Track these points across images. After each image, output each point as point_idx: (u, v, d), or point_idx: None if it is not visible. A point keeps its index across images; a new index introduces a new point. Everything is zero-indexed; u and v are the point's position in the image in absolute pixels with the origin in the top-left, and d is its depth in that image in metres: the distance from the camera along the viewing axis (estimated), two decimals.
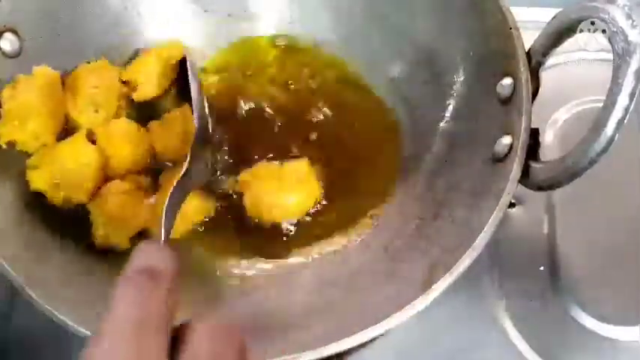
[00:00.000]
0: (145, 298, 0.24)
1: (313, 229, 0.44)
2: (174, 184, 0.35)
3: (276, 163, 0.44)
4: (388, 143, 0.46)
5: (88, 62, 0.44)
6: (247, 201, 0.43)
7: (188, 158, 0.37)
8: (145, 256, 0.25)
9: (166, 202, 0.33)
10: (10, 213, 0.39)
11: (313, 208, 0.44)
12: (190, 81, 0.42)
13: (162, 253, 0.26)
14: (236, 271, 0.43)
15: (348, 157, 0.46)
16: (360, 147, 0.46)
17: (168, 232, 0.32)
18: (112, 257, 0.41)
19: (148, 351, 0.23)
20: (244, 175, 0.43)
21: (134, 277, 0.24)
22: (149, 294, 0.24)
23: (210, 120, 0.43)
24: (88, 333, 0.34)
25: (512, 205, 0.46)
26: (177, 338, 0.24)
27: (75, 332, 0.34)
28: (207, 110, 0.43)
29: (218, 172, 0.44)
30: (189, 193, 0.37)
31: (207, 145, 0.41)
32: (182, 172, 0.36)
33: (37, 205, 0.40)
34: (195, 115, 0.40)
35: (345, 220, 0.44)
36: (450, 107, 0.44)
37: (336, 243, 0.43)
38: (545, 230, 0.46)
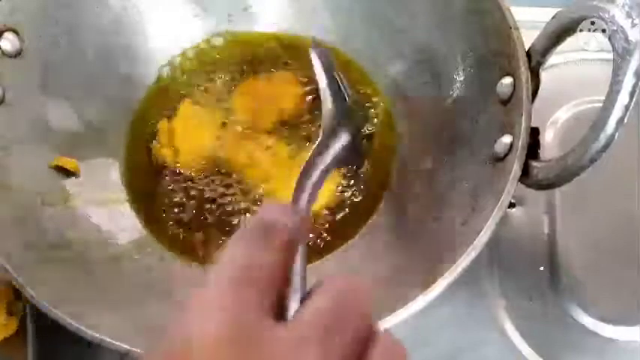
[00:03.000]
0: (253, 250, 0.22)
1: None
2: (311, 152, 0.33)
3: None
4: (387, 143, 0.46)
5: None
6: None
7: (321, 132, 0.37)
8: (267, 209, 0.24)
9: (301, 171, 0.31)
10: (12, 213, 0.39)
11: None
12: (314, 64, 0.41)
13: (286, 212, 0.24)
14: None
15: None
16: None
17: (302, 199, 0.30)
18: (112, 257, 0.41)
19: (246, 307, 0.21)
20: None
21: (247, 230, 0.23)
22: (258, 247, 0.22)
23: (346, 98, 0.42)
24: (91, 332, 0.33)
25: (512, 205, 0.46)
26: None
27: (76, 332, 0.34)
28: (343, 89, 0.42)
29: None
30: (330, 169, 0.34)
31: (343, 126, 0.39)
32: (316, 145, 0.35)
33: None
34: (323, 97, 0.39)
35: (343, 220, 0.44)
36: (450, 107, 0.44)
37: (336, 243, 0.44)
38: (545, 230, 0.46)
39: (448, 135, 0.44)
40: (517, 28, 0.38)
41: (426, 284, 0.34)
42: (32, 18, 0.42)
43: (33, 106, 0.43)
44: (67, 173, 0.43)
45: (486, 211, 0.36)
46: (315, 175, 0.32)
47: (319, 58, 0.41)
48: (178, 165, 0.46)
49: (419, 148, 0.45)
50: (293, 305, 0.24)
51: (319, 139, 0.35)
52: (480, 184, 0.39)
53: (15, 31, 0.41)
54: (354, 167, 0.44)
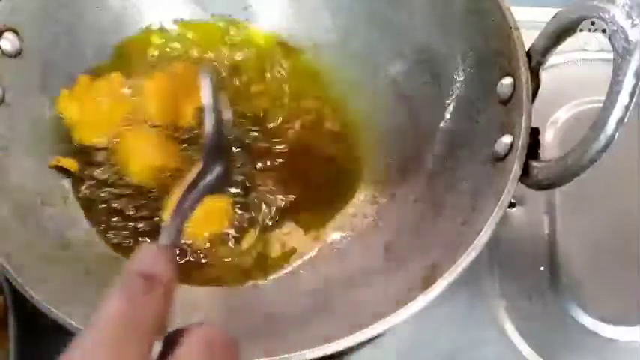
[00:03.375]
0: (135, 301, 0.23)
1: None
2: (185, 185, 0.33)
3: None
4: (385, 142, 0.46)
5: None
6: None
7: (201, 161, 0.36)
8: (143, 259, 0.25)
9: (175, 203, 0.31)
10: (12, 212, 0.39)
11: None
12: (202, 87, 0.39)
13: (162, 258, 0.25)
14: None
15: (347, 156, 0.46)
16: (357, 146, 0.47)
17: (174, 236, 0.30)
18: (112, 257, 0.41)
19: (127, 357, 0.22)
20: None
21: (127, 279, 0.24)
22: (139, 298, 0.23)
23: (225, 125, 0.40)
24: None
25: (512, 205, 0.46)
26: (171, 345, 0.23)
27: (75, 331, 0.34)
28: (224, 114, 0.41)
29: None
30: (203, 198, 0.34)
31: (223, 150, 0.39)
32: (194, 175, 0.34)
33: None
34: (208, 119, 0.38)
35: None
36: (450, 107, 0.44)
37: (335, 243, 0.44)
38: (545, 230, 0.46)
39: (448, 135, 0.44)
40: (517, 28, 0.38)
41: (426, 284, 0.34)
42: (32, 18, 0.42)
43: (33, 106, 0.43)
44: (67, 173, 0.43)
45: (486, 211, 0.36)
46: (187, 207, 0.31)
47: (210, 84, 0.38)
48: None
49: (419, 148, 0.45)
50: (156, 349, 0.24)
51: (197, 171, 0.34)
52: (480, 184, 0.39)
53: (15, 31, 0.41)
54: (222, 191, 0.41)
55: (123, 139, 0.44)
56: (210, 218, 0.42)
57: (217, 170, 0.35)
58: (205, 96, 0.38)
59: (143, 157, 0.43)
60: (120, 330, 0.22)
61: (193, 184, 0.33)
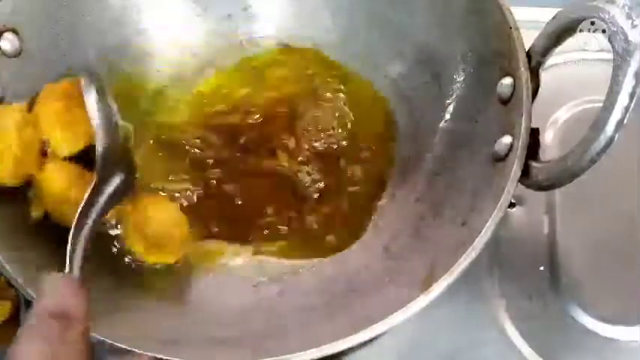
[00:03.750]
0: (52, 347, 0.20)
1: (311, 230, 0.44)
2: (79, 209, 0.30)
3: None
4: (386, 142, 0.46)
5: None
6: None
7: (94, 181, 0.33)
8: (51, 294, 0.22)
9: (72, 229, 0.29)
10: (12, 212, 0.39)
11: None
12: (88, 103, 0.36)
13: (72, 289, 0.22)
14: (236, 270, 0.43)
15: (346, 156, 0.46)
16: (357, 146, 0.46)
17: (79, 263, 0.28)
18: (112, 257, 0.41)
19: None
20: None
21: (40, 324, 0.21)
22: (56, 341, 0.20)
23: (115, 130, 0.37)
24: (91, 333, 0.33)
25: (512, 205, 0.46)
26: None
27: None
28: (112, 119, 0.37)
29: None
30: (103, 215, 0.32)
31: (119, 157, 0.36)
32: (87, 195, 0.32)
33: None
34: (99, 137, 0.35)
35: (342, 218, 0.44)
36: (450, 107, 0.44)
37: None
38: (545, 230, 0.46)
39: (448, 135, 0.44)
40: (517, 28, 0.38)
41: (426, 284, 0.34)
42: (32, 18, 0.42)
43: None
44: None
45: (486, 211, 0.36)
46: (89, 227, 0.29)
47: (93, 87, 0.36)
48: None
49: (419, 148, 0.45)
50: None
51: (92, 186, 0.32)
52: (480, 184, 0.39)
53: (15, 31, 0.41)
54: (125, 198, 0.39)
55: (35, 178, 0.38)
56: (162, 245, 0.40)
57: (116, 180, 0.33)
58: (89, 105, 0.35)
59: (59, 194, 0.37)
60: None
61: (89, 203, 0.31)
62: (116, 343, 0.33)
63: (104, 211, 0.32)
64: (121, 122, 0.37)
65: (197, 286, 0.42)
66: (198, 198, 0.44)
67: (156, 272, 0.41)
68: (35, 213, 0.38)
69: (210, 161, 0.46)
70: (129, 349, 0.32)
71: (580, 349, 0.42)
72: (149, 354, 0.32)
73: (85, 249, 0.28)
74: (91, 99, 0.35)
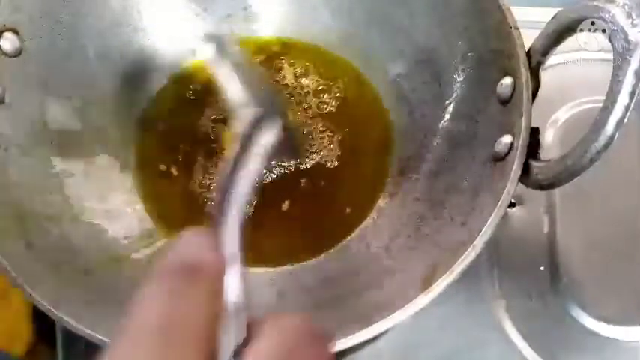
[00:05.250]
0: (176, 301, 0.18)
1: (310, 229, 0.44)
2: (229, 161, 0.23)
3: None
4: (384, 142, 0.46)
5: None
6: None
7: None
8: (185, 246, 0.20)
9: (221, 180, 0.23)
10: (12, 212, 0.39)
11: None
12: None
13: (209, 245, 0.20)
14: None
15: (345, 156, 0.46)
16: (356, 146, 0.47)
17: (224, 222, 0.22)
18: (112, 257, 0.41)
19: None
20: None
21: (163, 275, 0.19)
22: (181, 294, 0.18)
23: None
24: (91, 333, 0.33)
25: (512, 205, 0.46)
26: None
27: (75, 330, 0.34)
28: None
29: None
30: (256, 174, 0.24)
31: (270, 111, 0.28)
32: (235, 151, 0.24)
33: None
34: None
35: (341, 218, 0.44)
36: (450, 107, 0.44)
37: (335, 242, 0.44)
38: (545, 230, 0.46)
39: (448, 135, 0.44)
40: (517, 28, 0.38)
41: (426, 284, 0.34)
42: (32, 18, 0.42)
43: (33, 106, 0.43)
44: None
45: (486, 211, 0.36)
46: (245, 183, 0.22)
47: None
48: None
49: (419, 148, 0.45)
50: (226, 353, 0.19)
51: (241, 132, 0.24)
52: (480, 184, 0.39)
53: (15, 31, 0.41)
54: (291, 159, 0.36)
55: None
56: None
57: (272, 130, 0.25)
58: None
59: None
60: (160, 338, 0.18)
61: (241, 152, 0.23)
62: None
63: (262, 164, 0.24)
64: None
65: None
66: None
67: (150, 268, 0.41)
68: None
69: (211, 161, 0.46)
70: None
71: (580, 349, 0.42)
72: None
73: (239, 212, 0.22)
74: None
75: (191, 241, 0.20)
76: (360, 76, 0.48)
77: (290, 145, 0.30)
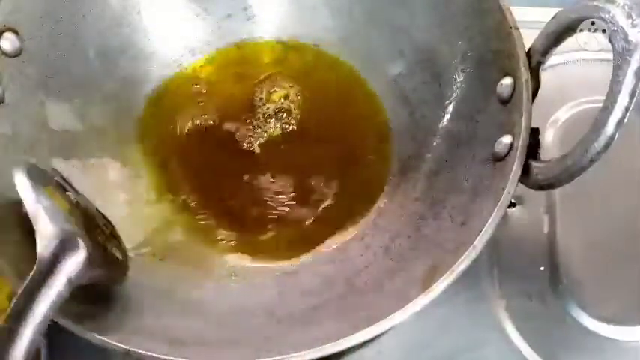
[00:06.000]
0: None
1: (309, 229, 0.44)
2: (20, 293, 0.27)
3: None
4: (384, 142, 0.47)
5: None
6: None
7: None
8: None
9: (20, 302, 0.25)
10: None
11: None
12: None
13: None
14: (236, 270, 0.43)
15: (344, 155, 0.46)
16: (356, 146, 0.47)
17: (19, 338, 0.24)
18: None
19: None
20: None
21: None
22: None
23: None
24: (90, 333, 0.33)
25: (512, 205, 0.46)
26: None
27: (74, 331, 0.34)
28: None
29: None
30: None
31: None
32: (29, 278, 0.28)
33: None
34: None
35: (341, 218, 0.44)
36: (450, 107, 0.44)
37: (335, 242, 0.44)
38: (545, 230, 0.46)
39: (448, 135, 0.44)
40: (517, 28, 0.38)
41: (426, 284, 0.34)
42: (32, 18, 0.42)
43: (33, 106, 0.43)
44: None
45: (486, 211, 0.36)
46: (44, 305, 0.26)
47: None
48: None
49: (419, 147, 0.45)
50: None
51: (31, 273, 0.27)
52: (480, 184, 0.39)
53: (15, 31, 0.41)
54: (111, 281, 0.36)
55: None
56: None
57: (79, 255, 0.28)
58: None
59: None
60: None
61: (30, 292, 0.26)
62: (121, 345, 0.33)
63: (62, 297, 0.27)
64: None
65: (198, 287, 0.42)
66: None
67: (156, 272, 0.41)
68: None
69: (209, 161, 0.46)
70: (136, 350, 0.32)
71: (580, 349, 0.42)
72: (156, 355, 0.32)
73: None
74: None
75: None
76: (359, 76, 0.48)
77: (107, 260, 0.32)
